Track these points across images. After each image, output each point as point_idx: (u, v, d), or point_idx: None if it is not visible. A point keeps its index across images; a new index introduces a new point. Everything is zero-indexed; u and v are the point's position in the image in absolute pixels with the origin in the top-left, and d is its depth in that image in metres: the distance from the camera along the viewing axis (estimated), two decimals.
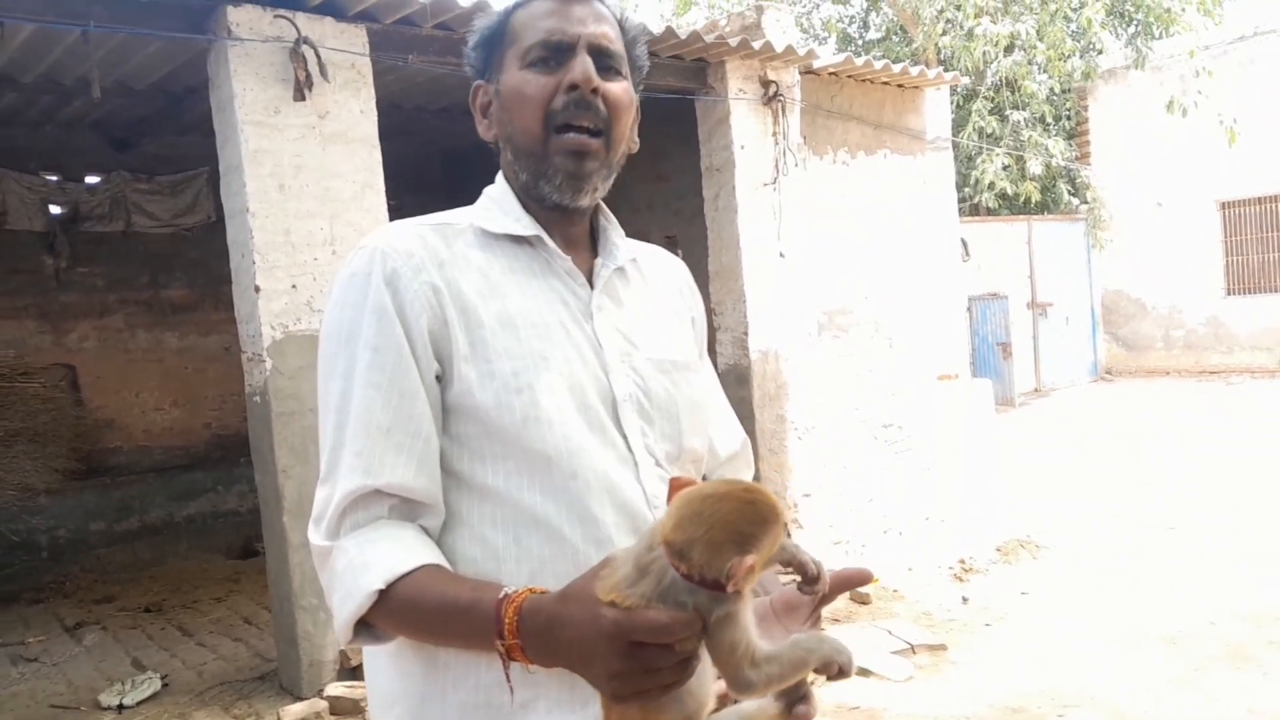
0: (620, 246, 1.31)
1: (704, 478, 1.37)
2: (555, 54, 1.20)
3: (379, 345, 1.13)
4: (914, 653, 4.35)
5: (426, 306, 1.15)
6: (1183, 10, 12.49)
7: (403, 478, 1.12)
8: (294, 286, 4.02)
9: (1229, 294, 13.43)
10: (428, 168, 8.28)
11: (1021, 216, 13.10)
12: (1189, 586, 5.05)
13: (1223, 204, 13.34)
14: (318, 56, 4.03)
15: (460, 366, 1.15)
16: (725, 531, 0.91)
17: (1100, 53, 13.31)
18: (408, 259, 1.16)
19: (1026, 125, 12.32)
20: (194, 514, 6.96)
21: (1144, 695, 3.84)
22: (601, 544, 1.11)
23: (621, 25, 1.28)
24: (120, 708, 4.03)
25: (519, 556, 1.13)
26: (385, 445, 1.12)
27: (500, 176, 1.29)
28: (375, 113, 4.26)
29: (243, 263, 4.04)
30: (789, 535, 0.99)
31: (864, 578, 1.11)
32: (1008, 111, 12.36)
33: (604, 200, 1.31)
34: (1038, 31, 11.60)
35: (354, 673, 4.00)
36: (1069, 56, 12.05)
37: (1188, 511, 6.47)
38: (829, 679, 1.01)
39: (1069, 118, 14.27)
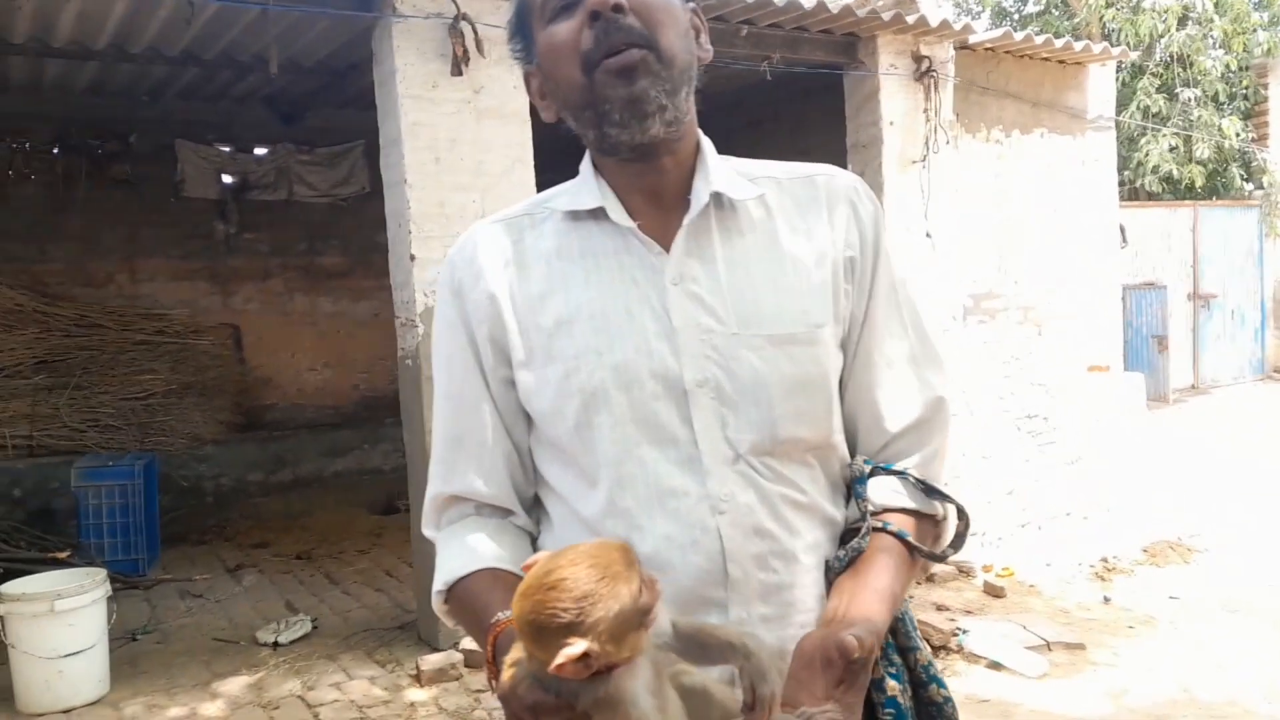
0: (700, 189, 1.13)
1: (860, 461, 1.18)
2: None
3: (450, 356, 1.19)
4: (1050, 649, 4.21)
5: (487, 316, 1.15)
6: None
7: (470, 486, 1.17)
8: (445, 255, 4.16)
9: None
10: (573, 140, 8.39)
11: (1187, 202, 12.29)
12: None
13: None
14: (475, 32, 4.15)
15: (520, 372, 1.14)
16: (536, 620, 0.83)
17: None
18: (469, 268, 1.17)
19: (1197, 104, 11.53)
20: (341, 470, 7.34)
21: None
22: (648, 561, 1.00)
23: None
24: (275, 645, 4.32)
25: None
26: (457, 455, 1.18)
27: (586, 156, 1.21)
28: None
29: (399, 232, 4.21)
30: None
31: (845, 648, 0.95)
32: (1177, 89, 11.59)
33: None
34: (1215, 4, 10.82)
35: None
36: (1250, 31, 11.19)
37: None
38: None
39: (1245, 97, 13.26)
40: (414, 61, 4.11)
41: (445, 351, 1.19)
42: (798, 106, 6.53)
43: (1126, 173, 11.70)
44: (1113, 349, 7.18)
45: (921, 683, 1.14)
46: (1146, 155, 11.31)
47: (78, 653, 3.73)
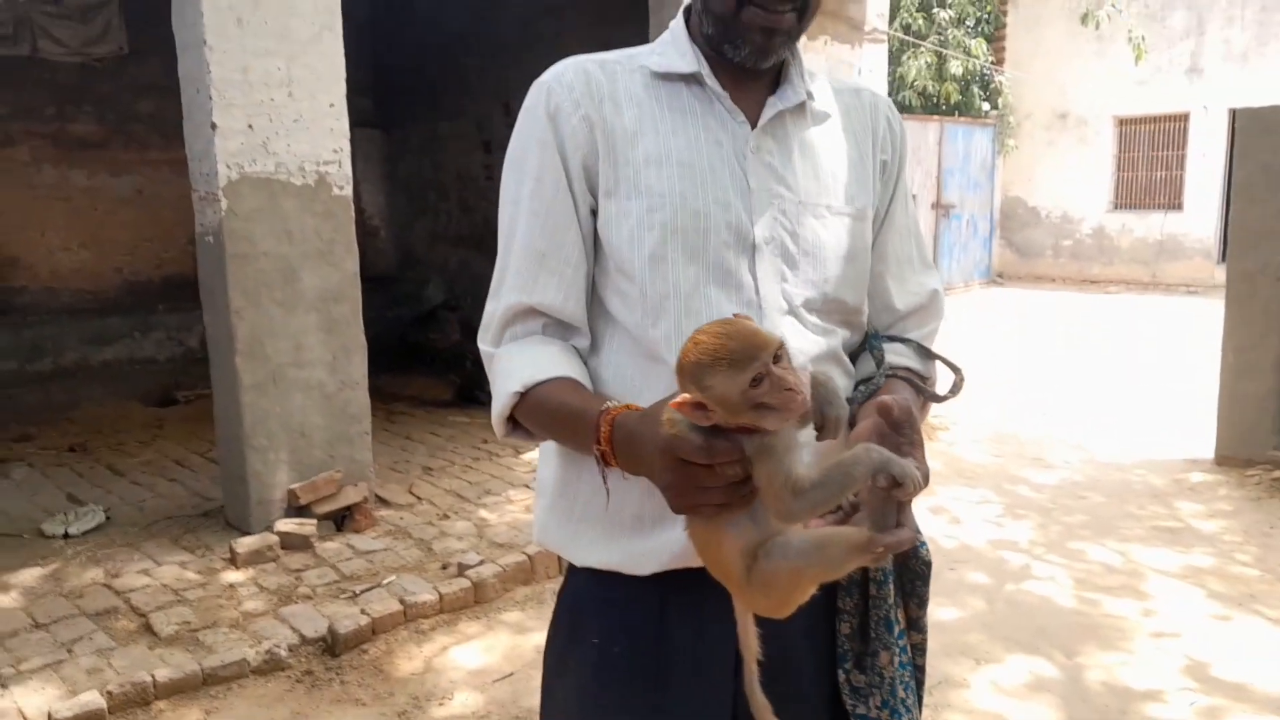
0: (796, 85, 1.27)
1: (874, 332, 1.37)
2: None
3: (540, 175, 1.23)
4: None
5: (583, 141, 1.22)
6: None
7: (552, 299, 1.24)
8: (250, 126, 3.96)
9: (1116, 208, 14.21)
10: (353, 14, 7.95)
11: (935, 117, 13.44)
12: (1062, 467, 5.62)
13: (1120, 120, 13.97)
14: None
15: (604, 201, 1.22)
16: (733, 349, 0.94)
17: None
18: (568, 93, 1.23)
19: (951, 25, 12.54)
20: (110, 359, 6.81)
21: (1021, 555, 4.34)
22: None
23: None
24: (66, 536, 4.09)
25: (642, 388, 1.21)
26: (540, 268, 1.23)
27: (680, 16, 1.30)
28: None
29: (197, 98, 3.94)
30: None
31: (888, 407, 1.07)
32: (934, 9, 12.53)
33: None
34: None
35: (301, 511, 4.15)
36: None
37: (1064, 402, 7.10)
38: (890, 492, 0.98)
39: (989, 22, 14.55)
40: None
41: (534, 168, 1.24)
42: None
43: (888, 84, 12.59)
44: None
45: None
46: (906, 70, 12.21)
47: None
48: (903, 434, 1.05)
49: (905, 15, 12.22)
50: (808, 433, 1.10)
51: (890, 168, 1.37)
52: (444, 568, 3.88)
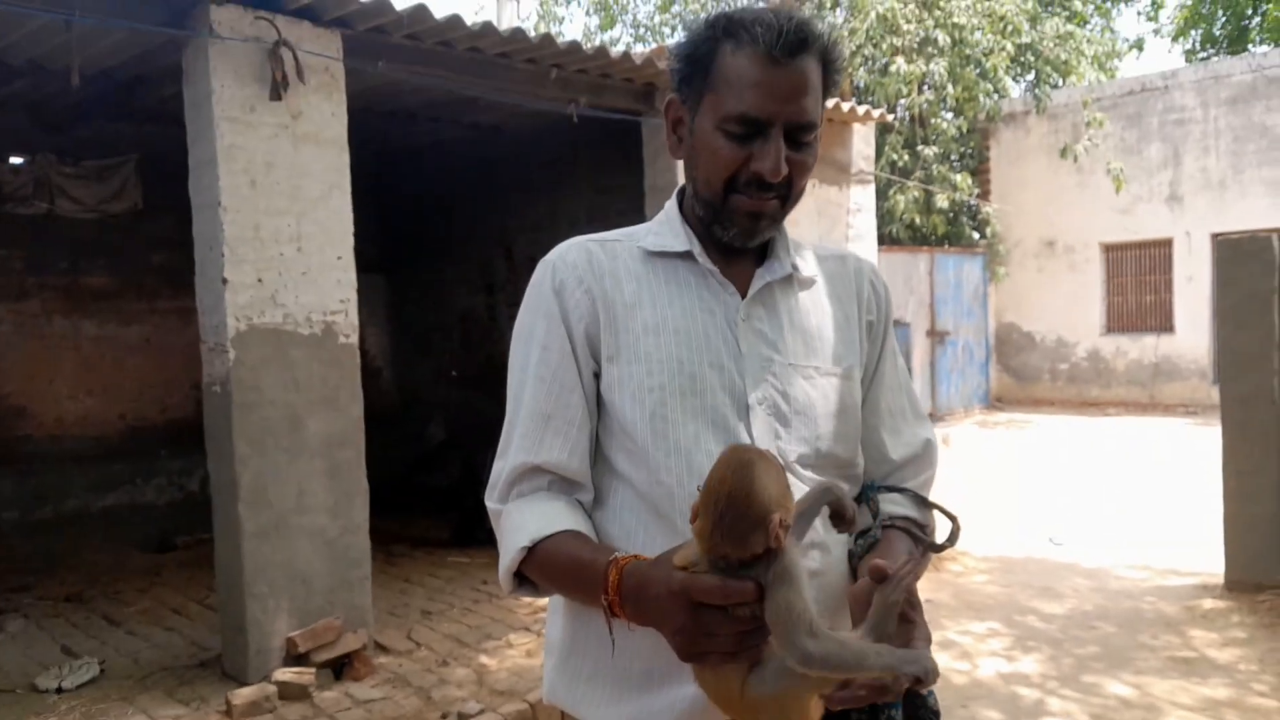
0: (783, 259, 1.37)
1: (870, 481, 1.43)
2: (751, 128, 1.25)
3: (547, 344, 1.33)
4: None
5: (586, 313, 1.32)
6: (1078, 63, 13.44)
7: (558, 458, 1.31)
8: (260, 280, 4.10)
9: (1108, 331, 14.42)
10: (362, 167, 8.30)
11: (926, 248, 13.81)
12: (1071, 596, 5.54)
13: (1106, 246, 14.34)
14: (295, 59, 4.13)
15: (606, 366, 1.32)
16: (740, 508, 0.99)
17: (1003, 97, 14.18)
18: (572, 270, 1.34)
19: (935, 161, 13.03)
20: (110, 506, 6.83)
21: (1034, 690, 4.24)
22: None
23: (826, 62, 1.29)
24: (59, 690, 4.02)
25: (645, 542, 1.26)
26: (546, 429, 1.31)
27: (674, 198, 1.42)
28: (346, 115, 4.39)
29: (210, 255, 4.10)
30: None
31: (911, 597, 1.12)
32: (918, 147, 13.05)
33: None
34: (949, 73, 12.32)
35: (300, 660, 4.09)
36: (976, 98, 12.83)
37: (1070, 529, 7.05)
38: (898, 692, 1.03)
39: (973, 156, 15.13)
40: (230, 84, 4.04)
41: (541, 338, 1.33)
42: (598, 149, 6.85)
43: (876, 219, 13.00)
44: None
45: None
46: (894, 204, 12.62)
47: None
48: (909, 615, 1.12)
49: (891, 152, 12.73)
50: (822, 535, 1.25)
51: (876, 327, 1.46)
52: (444, 717, 3.80)
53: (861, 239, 7.45)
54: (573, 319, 1.32)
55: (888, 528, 1.35)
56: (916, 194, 12.75)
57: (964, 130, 13.62)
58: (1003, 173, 15.08)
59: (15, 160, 6.85)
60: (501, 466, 1.35)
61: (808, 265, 1.42)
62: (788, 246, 1.40)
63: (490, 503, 1.37)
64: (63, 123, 6.72)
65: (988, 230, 14.34)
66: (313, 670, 4.05)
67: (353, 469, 4.38)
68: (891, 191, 12.68)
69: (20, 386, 6.88)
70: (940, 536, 1.43)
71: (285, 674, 3.98)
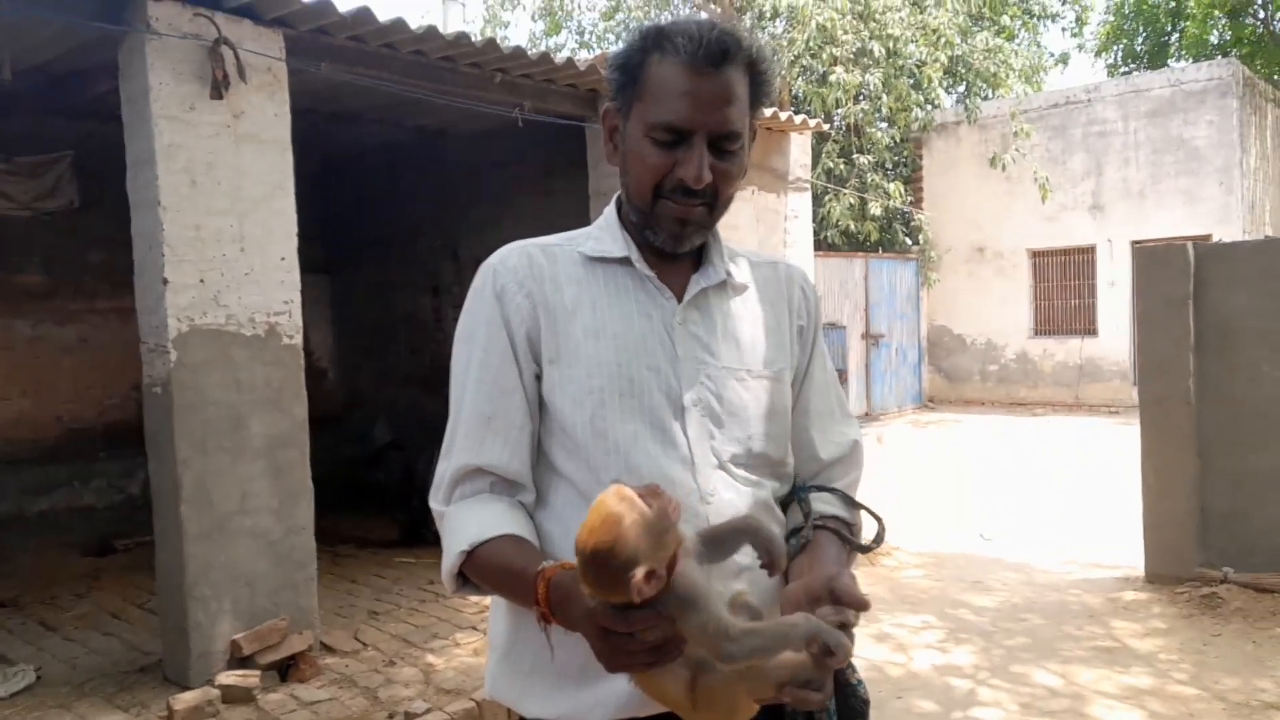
0: (717, 266, 1.42)
1: (800, 482, 1.48)
2: (675, 136, 1.30)
3: (488, 348, 1.37)
4: None
5: (526, 317, 1.36)
6: (1007, 76, 13.87)
7: (498, 459, 1.35)
8: (202, 281, 4.07)
9: (1035, 334, 14.89)
10: (306, 167, 8.22)
11: (861, 253, 14.11)
12: (1001, 589, 5.75)
13: (1033, 253, 14.81)
14: (236, 57, 4.11)
15: (547, 368, 1.35)
16: (602, 562, 1.02)
17: (936, 107, 14.55)
18: (513, 275, 1.38)
19: (870, 169, 13.33)
20: (46, 509, 6.66)
21: (967, 681, 4.41)
22: None
23: (754, 72, 1.33)
24: None
25: None
26: (487, 431, 1.35)
27: (612, 205, 1.45)
28: (289, 116, 4.37)
29: (150, 255, 4.05)
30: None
31: (860, 604, 1.17)
32: (854, 155, 13.33)
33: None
34: (884, 83, 12.61)
35: (244, 662, 4.07)
36: (910, 109, 13.15)
37: (1000, 525, 7.29)
38: (821, 658, 1.09)
39: (906, 165, 15.51)
40: (169, 81, 4.00)
41: (482, 342, 1.37)
42: (544, 151, 6.89)
43: (812, 225, 13.24)
44: None
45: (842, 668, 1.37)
46: (830, 211, 12.88)
47: None
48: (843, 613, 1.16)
49: (827, 161, 13.00)
50: (750, 561, 1.24)
51: (806, 332, 1.52)
52: (390, 717, 3.82)
53: (798, 244, 7.61)
54: (514, 323, 1.36)
55: (819, 528, 1.41)
56: (852, 201, 13.03)
57: (897, 139, 13.96)
58: (934, 181, 15.48)
59: None
60: (445, 468, 1.38)
61: (741, 272, 1.47)
62: (722, 253, 1.44)
63: (434, 504, 1.39)
64: None
65: (920, 236, 14.71)
66: (258, 673, 4.03)
67: (297, 470, 4.36)
68: (827, 198, 12.94)
69: None
70: (867, 536, 1.50)
71: (229, 677, 3.95)
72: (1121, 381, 13.78)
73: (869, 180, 13.27)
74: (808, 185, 7.71)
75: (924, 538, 6.92)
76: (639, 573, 1.01)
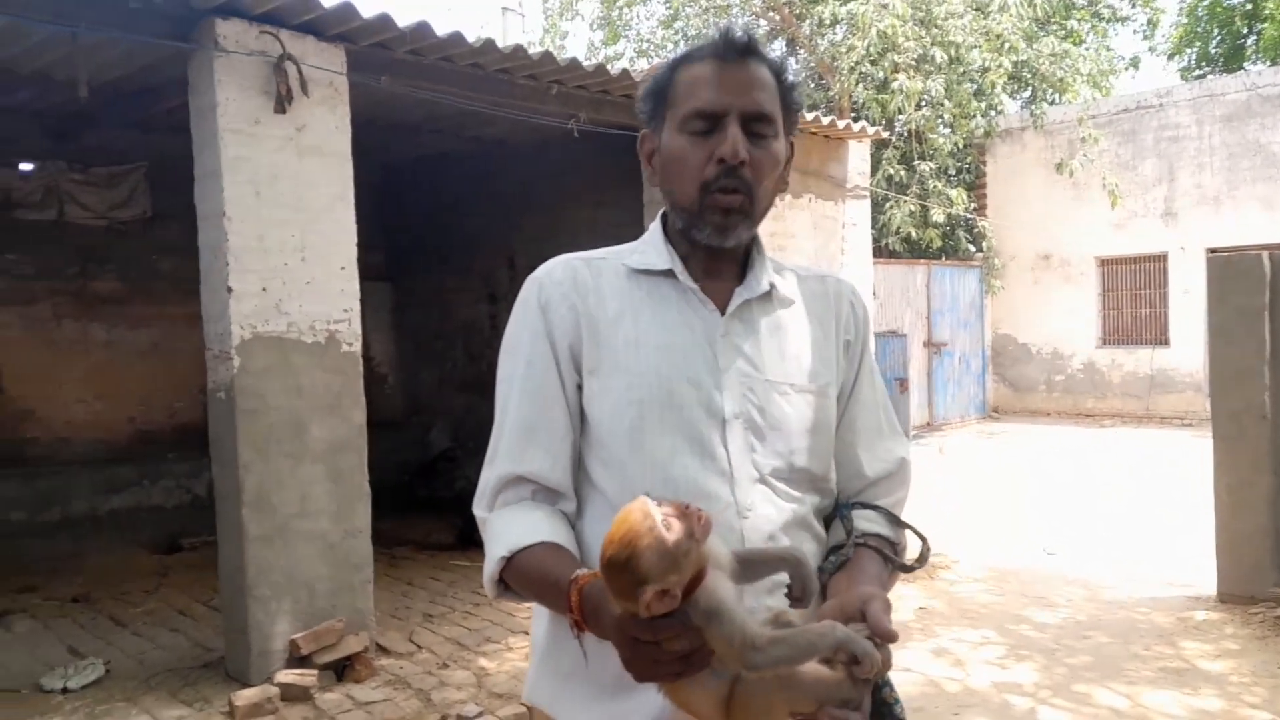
0: (760, 278, 1.42)
1: (844, 499, 1.46)
2: (709, 122, 1.32)
3: (531, 359, 1.39)
4: None
5: (570, 329, 1.37)
6: (1074, 80, 13.57)
7: (540, 468, 1.36)
8: (264, 289, 4.18)
9: (1104, 344, 14.51)
10: (367, 177, 8.40)
11: (923, 260, 13.91)
12: (1065, 605, 5.61)
13: (1101, 260, 14.44)
14: (299, 72, 4.22)
15: (588, 379, 1.37)
16: (616, 575, 1.03)
17: (1000, 113, 14.29)
18: (557, 288, 1.40)
19: (931, 176, 13.14)
20: (118, 508, 6.90)
21: (1026, 699, 4.30)
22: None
23: (778, 76, 1.38)
24: (64, 691, 4.09)
25: None
26: (529, 440, 1.37)
27: (658, 220, 1.47)
28: (350, 129, 4.47)
29: (215, 264, 4.18)
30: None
31: (887, 635, 1.13)
32: (915, 162, 13.16)
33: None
34: (946, 90, 12.43)
35: (302, 661, 4.16)
36: (973, 115, 12.94)
37: (1065, 539, 7.11)
38: (849, 668, 1.08)
39: (969, 171, 15.26)
40: (235, 96, 4.12)
41: (526, 352, 1.39)
42: (597, 161, 6.93)
43: (873, 232, 13.09)
44: None
45: (877, 685, 1.32)
46: (890, 218, 12.73)
47: None
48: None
49: (888, 167, 12.84)
50: (779, 599, 1.22)
51: (854, 347, 1.50)
52: (443, 719, 3.87)
53: (856, 252, 7.54)
54: (557, 334, 1.38)
55: (860, 545, 1.39)
56: (913, 208, 12.86)
57: (960, 146, 13.74)
58: (999, 187, 15.19)
59: (25, 167, 6.95)
60: (488, 476, 1.40)
61: (788, 285, 1.47)
62: (765, 266, 1.45)
63: (477, 510, 1.41)
64: (70, 131, 6.82)
65: (984, 244, 14.45)
66: (315, 672, 4.11)
67: (355, 474, 4.45)
68: (888, 205, 12.78)
69: (29, 390, 6.96)
70: (912, 556, 1.47)
71: (287, 675, 4.04)
72: (1195, 393, 13.35)
73: (931, 187, 13.08)
74: (866, 193, 7.63)
75: (986, 551, 6.78)
76: (649, 591, 1.01)
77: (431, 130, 6.94)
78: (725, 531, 1.28)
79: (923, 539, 1.46)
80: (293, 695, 3.97)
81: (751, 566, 1.18)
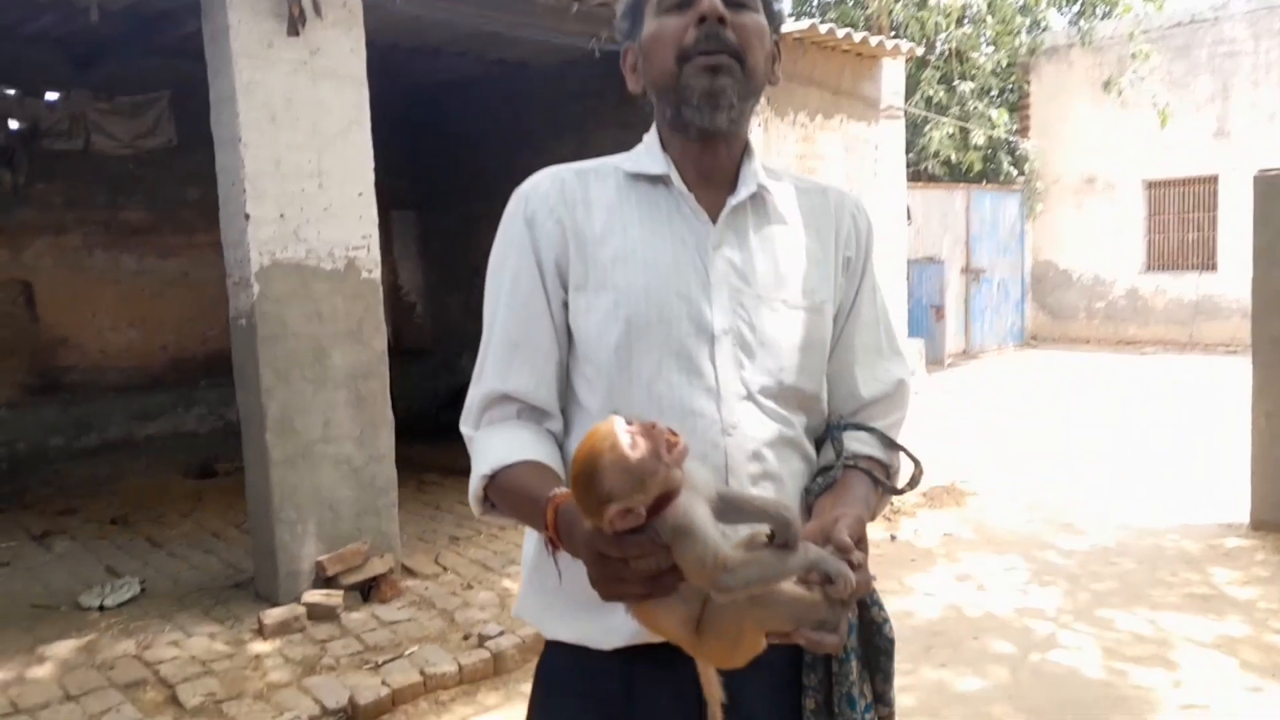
0: (749, 182, 1.36)
1: (837, 420, 1.42)
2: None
3: (516, 275, 1.36)
4: None
5: (555, 243, 1.34)
6: None
7: (524, 386, 1.34)
8: (282, 216, 4.17)
9: (1148, 269, 14.15)
10: (392, 103, 8.32)
11: (961, 184, 13.57)
12: (1093, 532, 5.56)
13: (1149, 183, 13.99)
14: None
15: (574, 295, 1.33)
16: (582, 492, 1.02)
17: (1045, 29, 13.75)
18: (543, 200, 1.36)
19: (972, 96, 12.74)
20: (153, 434, 7.05)
21: (1048, 624, 4.29)
22: None
23: None
24: (102, 608, 4.23)
25: None
26: (514, 357, 1.34)
27: (654, 126, 1.39)
28: (364, 51, 4.39)
29: (232, 190, 4.16)
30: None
31: (843, 548, 1.10)
32: (955, 82, 12.75)
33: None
34: (988, 5, 11.97)
35: (329, 582, 4.25)
36: (1016, 32, 12.47)
37: (1098, 467, 7.03)
38: (824, 589, 1.06)
39: (1012, 91, 14.76)
40: (248, 19, 4.06)
41: (512, 269, 1.37)
42: (621, 83, 6.78)
43: (911, 155, 12.77)
44: (897, 317, 7.96)
45: (866, 605, 1.33)
46: (929, 140, 12.39)
47: None
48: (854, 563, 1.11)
49: (927, 88, 12.46)
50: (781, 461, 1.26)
51: (854, 263, 1.45)
52: (465, 638, 3.94)
53: (888, 175, 7.36)
54: (542, 249, 1.34)
55: (849, 467, 1.36)
56: (952, 130, 12.49)
57: (1003, 65, 13.26)
58: (1043, 108, 14.69)
59: (50, 96, 6.95)
60: (474, 394, 1.38)
61: (784, 195, 1.41)
62: (755, 169, 1.38)
63: (464, 429, 1.40)
64: (94, 58, 6.79)
65: (1026, 166, 14.04)
66: (341, 592, 4.21)
67: (377, 400, 4.48)
68: (927, 128, 12.44)
69: (63, 318, 7.07)
70: (902, 480, 1.44)
71: (314, 595, 4.14)
72: (1243, 319, 12.96)
73: (972, 108, 12.69)
74: (901, 114, 7.41)
75: (1016, 478, 6.73)
76: (613, 509, 1.00)
77: (454, 53, 6.82)
78: (709, 449, 1.27)
79: (915, 461, 1.43)
80: (319, 614, 4.07)
81: (735, 508, 1.14)
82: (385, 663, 3.70)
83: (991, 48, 13.05)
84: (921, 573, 4.98)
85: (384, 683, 3.51)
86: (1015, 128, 13.99)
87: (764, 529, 1.11)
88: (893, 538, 5.53)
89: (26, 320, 6.85)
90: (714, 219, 1.34)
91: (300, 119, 4.20)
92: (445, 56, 6.86)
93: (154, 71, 6.87)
